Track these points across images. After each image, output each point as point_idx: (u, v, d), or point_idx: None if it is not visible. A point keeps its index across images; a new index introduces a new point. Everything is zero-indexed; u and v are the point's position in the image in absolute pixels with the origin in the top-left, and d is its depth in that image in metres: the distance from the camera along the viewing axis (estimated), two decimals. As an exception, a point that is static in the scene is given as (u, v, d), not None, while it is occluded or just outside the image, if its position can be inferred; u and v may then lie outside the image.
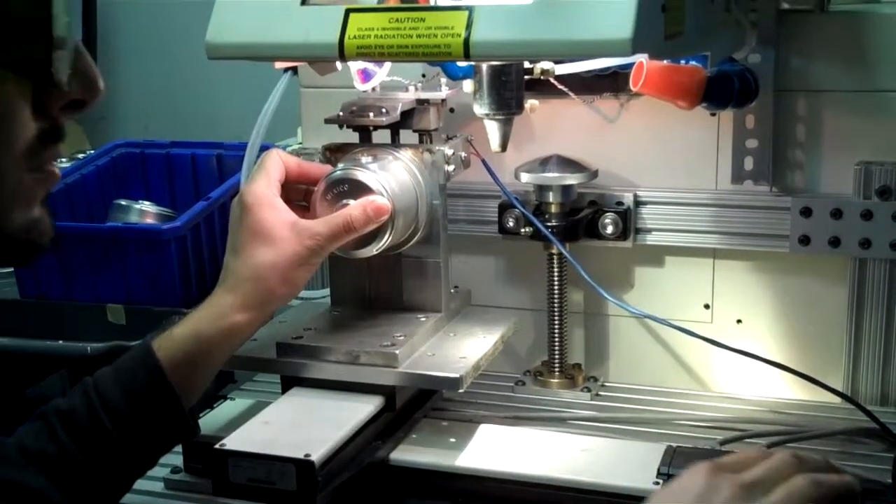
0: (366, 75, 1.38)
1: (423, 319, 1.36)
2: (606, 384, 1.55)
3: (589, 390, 1.51)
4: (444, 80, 1.40)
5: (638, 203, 1.50)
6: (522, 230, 1.48)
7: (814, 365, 1.48)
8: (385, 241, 1.26)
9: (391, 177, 1.27)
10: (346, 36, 1.08)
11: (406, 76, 1.53)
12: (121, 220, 1.78)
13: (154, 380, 1.12)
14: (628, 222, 1.49)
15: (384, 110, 1.33)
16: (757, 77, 1.38)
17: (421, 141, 1.38)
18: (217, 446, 1.14)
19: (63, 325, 1.68)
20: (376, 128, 1.35)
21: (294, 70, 1.54)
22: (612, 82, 1.46)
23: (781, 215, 1.45)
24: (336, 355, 1.29)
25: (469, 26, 1.03)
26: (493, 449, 1.29)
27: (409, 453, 1.29)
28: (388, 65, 1.40)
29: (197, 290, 1.66)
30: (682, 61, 1.33)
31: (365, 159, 1.28)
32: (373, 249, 1.26)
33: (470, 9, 1.03)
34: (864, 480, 1.22)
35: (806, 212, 1.43)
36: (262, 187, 1.20)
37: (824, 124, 1.44)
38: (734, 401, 1.48)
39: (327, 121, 1.35)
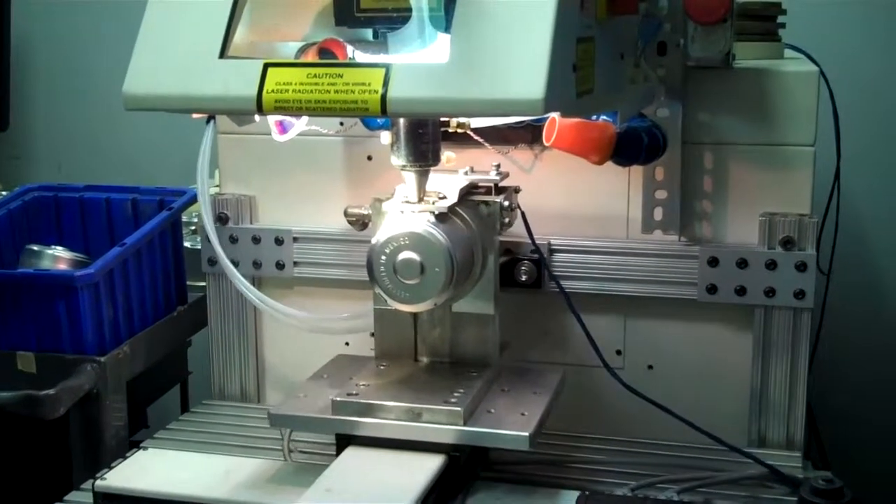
0: (283, 127, 1.39)
1: (476, 375, 1.34)
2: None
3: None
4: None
5: (552, 251, 1.53)
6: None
7: (722, 409, 1.53)
8: (445, 296, 1.25)
9: (450, 229, 1.26)
10: (265, 90, 1.08)
11: (324, 126, 1.55)
12: (32, 266, 1.74)
13: None
14: (542, 270, 1.52)
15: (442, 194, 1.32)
16: (665, 133, 1.42)
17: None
18: None
19: (-29, 374, 1.64)
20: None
21: (212, 118, 1.54)
22: (526, 134, 1.51)
23: (689, 264, 1.49)
24: (397, 413, 1.26)
25: (386, 83, 1.04)
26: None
27: None
28: (305, 117, 1.41)
29: (110, 338, 1.64)
30: (594, 117, 1.37)
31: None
32: (431, 304, 1.25)
33: (387, 66, 1.05)
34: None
35: (713, 261, 1.48)
36: None
37: (730, 176, 1.49)
38: (646, 446, 1.51)
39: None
